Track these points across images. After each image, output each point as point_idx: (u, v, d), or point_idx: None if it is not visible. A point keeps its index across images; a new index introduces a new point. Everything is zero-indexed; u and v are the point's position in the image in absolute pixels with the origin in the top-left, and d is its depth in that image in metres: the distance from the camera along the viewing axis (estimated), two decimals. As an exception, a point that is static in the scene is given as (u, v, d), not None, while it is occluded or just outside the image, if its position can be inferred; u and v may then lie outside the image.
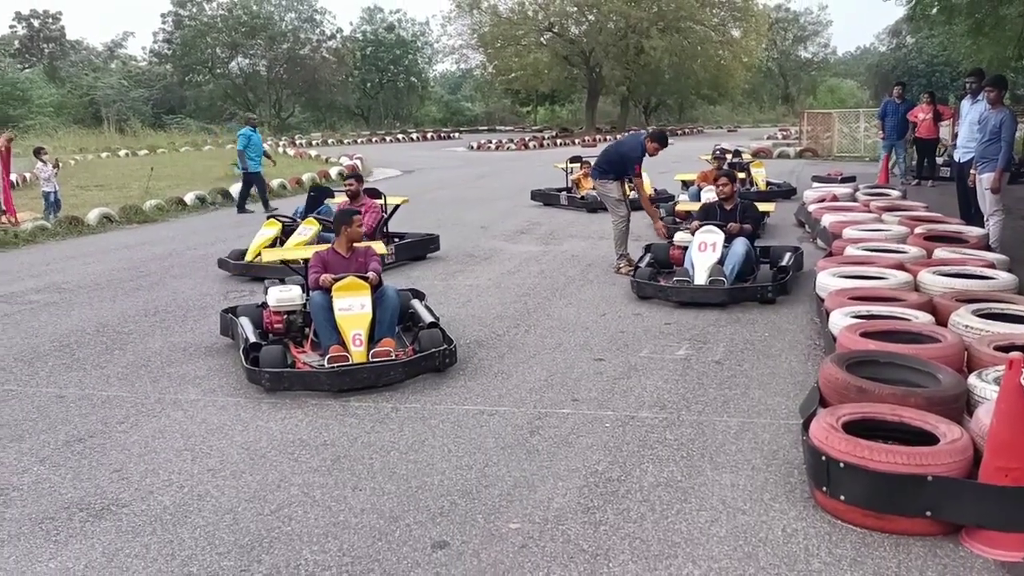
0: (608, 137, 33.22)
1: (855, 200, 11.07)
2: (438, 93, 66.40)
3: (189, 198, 15.23)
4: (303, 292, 5.90)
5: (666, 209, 11.22)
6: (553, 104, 58.55)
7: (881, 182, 14.15)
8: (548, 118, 58.80)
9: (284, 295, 5.86)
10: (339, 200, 9.32)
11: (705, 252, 7.15)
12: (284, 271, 7.85)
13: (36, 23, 54.43)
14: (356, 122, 56.16)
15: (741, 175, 13.19)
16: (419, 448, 4.22)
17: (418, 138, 44.71)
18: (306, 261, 6.06)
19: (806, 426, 3.64)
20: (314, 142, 39.18)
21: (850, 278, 6.19)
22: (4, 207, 12.26)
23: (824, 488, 3.38)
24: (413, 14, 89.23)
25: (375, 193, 9.55)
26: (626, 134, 9.74)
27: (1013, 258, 7.01)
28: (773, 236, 10.22)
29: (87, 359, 5.95)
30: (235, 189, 16.23)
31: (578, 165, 14.40)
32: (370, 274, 5.67)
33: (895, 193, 11.48)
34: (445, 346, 5.36)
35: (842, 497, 3.30)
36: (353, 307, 5.41)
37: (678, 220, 10.05)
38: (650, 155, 8.36)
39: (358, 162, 22.55)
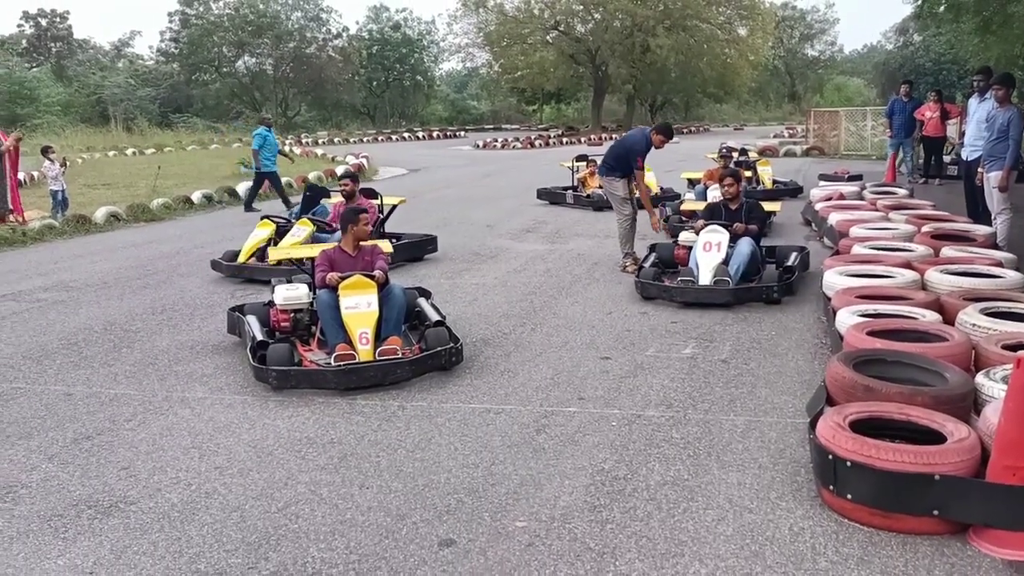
0: (614, 135, 33.20)
1: (862, 198, 11.05)
2: (444, 92, 66.48)
3: (196, 197, 15.27)
4: (310, 290, 5.91)
5: (671, 208, 11.22)
6: (559, 103, 58.54)
7: (888, 180, 14.12)
8: (554, 117, 58.81)
9: (291, 293, 5.88)
10: (335, 200, 9.19)
11: (710, 252, 7.11)
12: (277, 272, 7.86)
13: (43, 22, 54.68)
14: (362, 121, 56.26)
15: (748, 173, 13.20)
16: (426, 446, 4.23)
17: (424, 137, 44.76)
18: (312, 260, 6.07)
19: (813, 425, 3.64)
20: (320, 141, 39.24)
21: (857, 276, 6.18)
22: (12, 206, 12.30)
23: (831, 487, 3.37)
24: (419, 13, 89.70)
25: (371, 193, 9.40)
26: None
27: (1021, 256, 6.99)
28: (779, 235, 10.21)
29: (95, 357, 5.97)
30: (242, 188, 16.29)
31: (584, 163, 14.39)
32: (377, 272, 5.68)
33: (902, 191, 11.46)
34: (451, 344, 5.37)
35: (849, 496, 3.29)
36: (360, 305, 5.42)
37: (684, 219, 10.01)
38: (656, 148, 8.34)
39: (364, 161, 22.59)
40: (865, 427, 3.49)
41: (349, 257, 5.90)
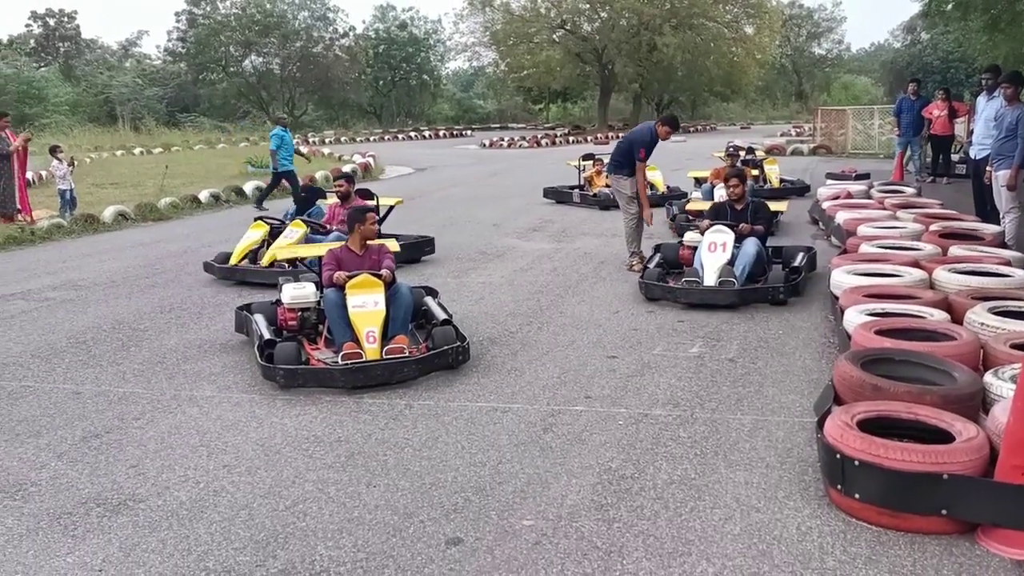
0: (620, 134, 33.15)
1: (870, 197, 11.02)
2: (450, 91, 66.48)
3: (203, 196, 15.31)
4: (317, 289, 5.92)
5: (678, 207, 11.21)
6: (565, 101, 58.51)
7: (896, 179, 14.09)
8: (560, 115, 58.77)
9: (298, 292, 5.89)
10: (331, 201, 9.07)
11: (715, 252, 7.02)
12: (269, 275, 7.85)
13: (51, 22, 54.86)
14: (368, 120, 56.31)
15: (755, 172, 13.17)
16: (433, 445, 4.23)
17: (430, 136, 44.77)
18: (319, 259, 6.09)
19: (820, 424, 3.63)
20: (327, 140, 39.30)
21: (865, 275, 6.17)
22: (20, 206, 12.35)
23: (839, 486, 3.36)
24: (425, 12, 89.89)
25: (367, 194, 9.22)
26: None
27: (1029, 255, 6.96)
28: (787, 234, 10.19)
29: (103, 356, 6.00)
30: (249, 187, 16.34)
31: (591, 162, 14.39)
32: (384, 271, 5.69)
33: (910, 190, 11.42)
34: (458, 343, 5.37)
35: (857, 495, 3.29)
36: (367, 304, 5.43)
37: (691, 218, 9.98)
38: (662, 139, 8.30)
39: (371, 160, 22.61)
40: (873, 426, 3.48)
41: (356, 256, 5.92)
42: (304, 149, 15.90)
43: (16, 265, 9.74)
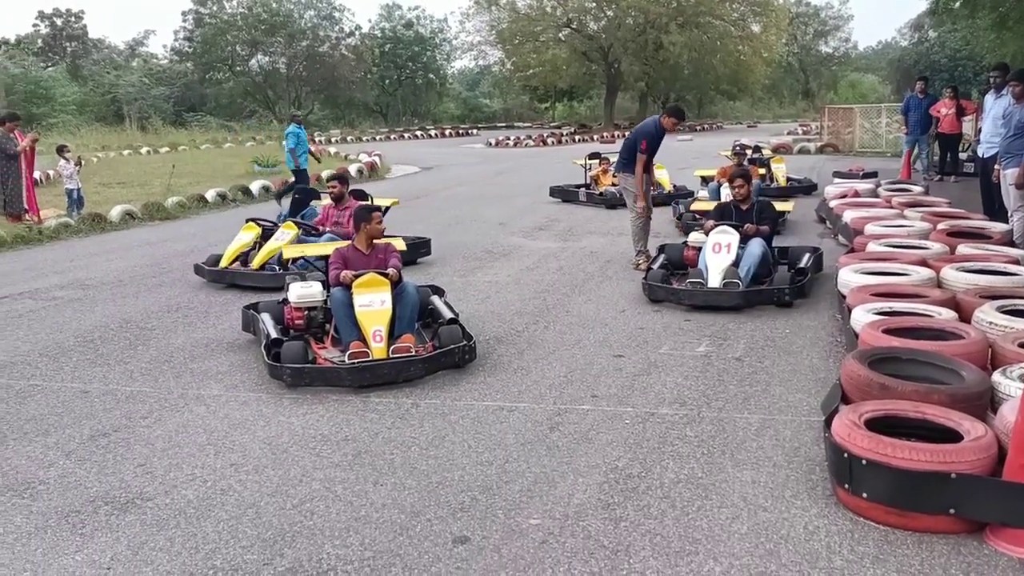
0: (626, 133, 33.14)
1: (877, 196, 10.99)
2: (456, 90, 66.56)
3: (210, 195, 15.35)
4: (324, 288, 5.93)
5: (684, 205, 11.20)
6: (571, 100, 58.54)
7: (903, 177, 14.05)
8: (566, 114, 58.80)
9: (305, 291, 5.90)
10: (325, 203, 8.87)
11: (719, 253, 6.91)
12: (260, 278, 7.82)
13: (59, 22, 55.09)
14: (375, 119, 56.42)
15: (761, 171, 13.16)
16: (439, 444, 4.24)
17: (436, 135, 44.83)
18: (324, 258, 6.09)
19: (828, 423, 3.62)
20: (333, 139, 39.34)
21: (872, 274, 6.15)
22: (27, 206, 12.39)
23: (846, 485, 3.36)
24: (432, 11, 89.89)
25: (361, 195, 9.00)
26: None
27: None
28: (793, 232, 10.17)
29: (111, 354, 6.02)
30: (256, 186, 16.42)
31: (597, 161, 14.39)
32: (390, 270, 5.69)
33: (917, 189, 11.39)
34: (465, 342, 5.37)
35: (864, 494, 3.28)
36: (373, 303, 5.43)
37: (697, 216, 9.93)
38: (668, 130, 8.28)
39: (377, 159, 22.65)
40: (881, 425, 3.48)
41: (363, 255, 5.92)
42: (312, 148, 15.91)
43: (24, 264, 9.78)
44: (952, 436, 3.39)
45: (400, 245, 6.39)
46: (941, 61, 45.97)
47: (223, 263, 8.26)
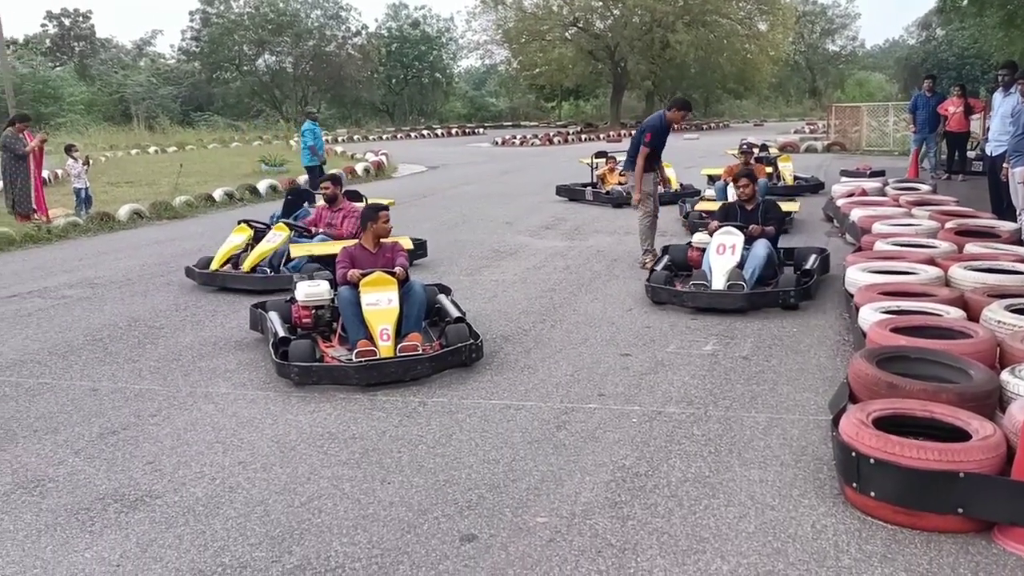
0: (633, 132, 33.10)
1: (884, 194, 10.96)
2: (462, 89, 66.55)
3: (217, 194, 15.38)
4: (331, 287, 5.94)
5: (691, 204, 11.19)
6: (578, 99, 58.46)
7: (911, 176, 14.00)
8: (573, 113, 58.73)
9: (312, 290, 5.92)
10: (319, 204, 8.79)
11: (723, 255, 6.76)
12: (251, 281, 7.78)
13: (67, 22, 55.24)
14: (381, 118, 56.45)
15: (768, 169, 13.13)
16: (447, 442, 4.24)
17: (443, 134, 44.83)
18: (328, 257, 6.10)
19: (836, 422, 3.62)
20: (339, 138, 39.38)
21: (880, 273, 6.13)
22: (36, 206, 12.44)
23: (854, 484, 3.35)
24: (438, 10, 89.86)
25: (356, 196, 8.86)
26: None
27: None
28: (801, 231, 10.15)
29: (120, 353, 6.04)
30: (263, 185, 16.46)
31: (603, 160, 14.38)
32: (397, 269, 5.70)
33: (925, 187, 11.36)
34: (471, 341, 5.38)
35: (872, 493, 3.27)
36: (380, 302, 5.44)
37: (704, 215, 9.90)
38: (675, 123, 8.24)
39: (383, 158, 22.67)
40: (888, 424, 3.47)
41: (370, 254, 5.93)
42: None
43: (33, 263, 9.82)
44: (960, 435, 3.38)
45: (407, 244, 6.39)
46: (949, 59, 45.80)
47: (214, 265, 8.10)
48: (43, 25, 55.47)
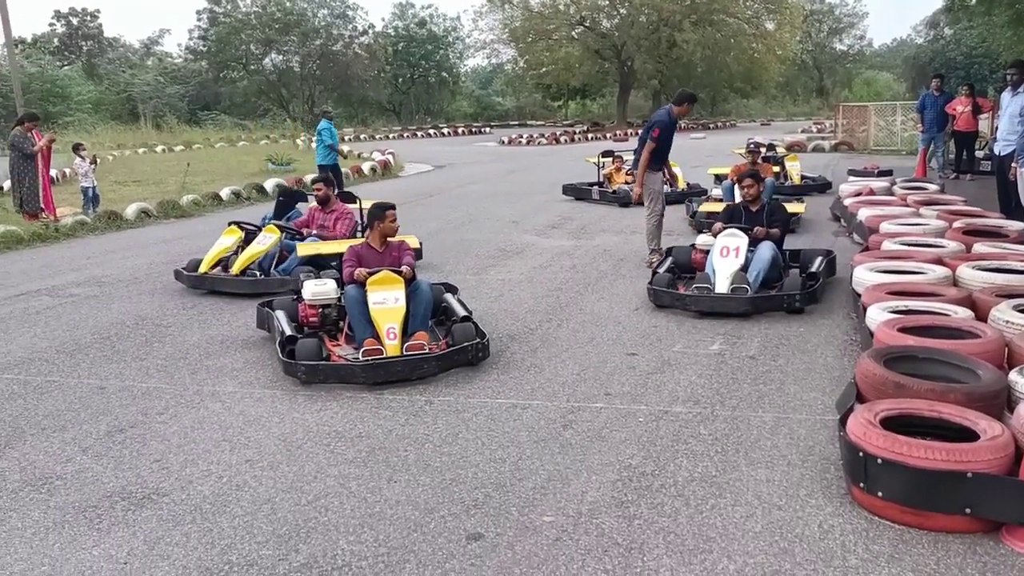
0: (639, 131, 33.08)
1: (892, 194, 10.93)
2: (469, 88, 66.58)
3: (225, 193, 15.41)
4: (338, 286, 5.95)
5: (697, 203, 11.17)
6: (584, 98, 58.45)
7: (919, 175, 13.96)
8: (579, 112, 58.71)
9: (319, 289, 5.93)
10: (311, 205, 8.64)
11: (727, 257, 6.63)
12: (240, 284, 7.71)
13: (75, 21, 55.44)
14: (388, 117, 56.52)
15: (776, 169, 13.10)
16: (453, 441, 4.25)
17: (449, 133, 44.86)
18: (336, 256, 6.11)
19: (843, 422, 3.61)
20: (346, 137, 39.43)
21: (887, 272, 6.12)
22: (43, 205, 12.48)
23: (861, 484, 3.35)
24: (444, 9, 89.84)
25: (349, 197, 8.69)
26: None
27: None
28: (808, 231, 10.13)
29: (127, 351, 6.06)
30: (270, 184, 16.48)
31: (610, 159, 14.36)
32: (404, 268, 5.71)
33: (933, 187, 11.32)
34: (478, 340, 5.38)
35: (880, 493, 3.27)
36: (387, 301, 5.45)
37: (709, 216, 9.85)
38: (681, 116, 8.23)
39: (390, 157, 22.69)
40: (896, 424, 3.46)
41: (376, 253, 5.94)
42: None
43: (41, 262, 9.86)
44: (968, 435, 3.37)
45: (414, 243, 6.39)
46: (957, 58, 45.62)
47: (203, 268, 7.93)
48: (51, 24, 55.75)
